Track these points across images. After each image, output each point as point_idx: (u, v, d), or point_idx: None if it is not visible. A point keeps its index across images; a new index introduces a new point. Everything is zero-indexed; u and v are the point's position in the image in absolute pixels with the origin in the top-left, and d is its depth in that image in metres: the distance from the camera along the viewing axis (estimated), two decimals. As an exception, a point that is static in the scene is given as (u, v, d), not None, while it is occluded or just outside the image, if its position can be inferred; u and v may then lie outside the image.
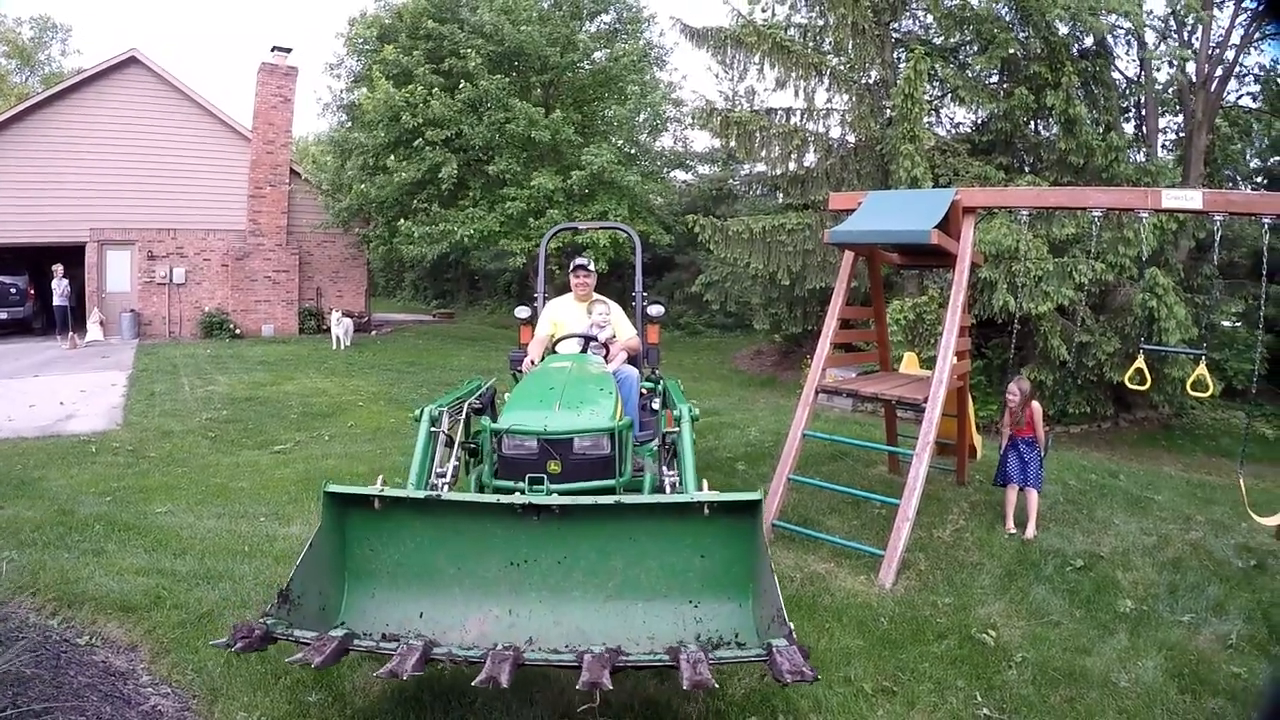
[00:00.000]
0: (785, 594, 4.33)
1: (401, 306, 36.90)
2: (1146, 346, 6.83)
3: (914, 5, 17.09)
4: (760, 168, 19.23)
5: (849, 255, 6.86)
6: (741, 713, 3.45)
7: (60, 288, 18.13)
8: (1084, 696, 3.82)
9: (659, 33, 18.86)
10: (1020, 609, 4.87)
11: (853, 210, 6.51)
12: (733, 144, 16.95)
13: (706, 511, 3.30)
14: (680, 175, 24.78)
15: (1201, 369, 5.97)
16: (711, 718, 3.42)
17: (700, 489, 3.93)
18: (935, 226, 5.78)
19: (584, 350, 5.30)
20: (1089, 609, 4.93)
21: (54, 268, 18.25)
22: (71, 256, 18.78)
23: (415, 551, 3.45)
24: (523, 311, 6.34)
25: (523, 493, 3.70)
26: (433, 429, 4.54)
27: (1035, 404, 6.52)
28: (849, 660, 4.00)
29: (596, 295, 5.76)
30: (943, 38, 16.70)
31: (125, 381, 12.55)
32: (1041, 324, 13.29)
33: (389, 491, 3.37)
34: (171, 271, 19.55)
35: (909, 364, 8.40)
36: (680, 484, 4.44)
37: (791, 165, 17.35)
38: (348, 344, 18.01)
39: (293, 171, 20.82)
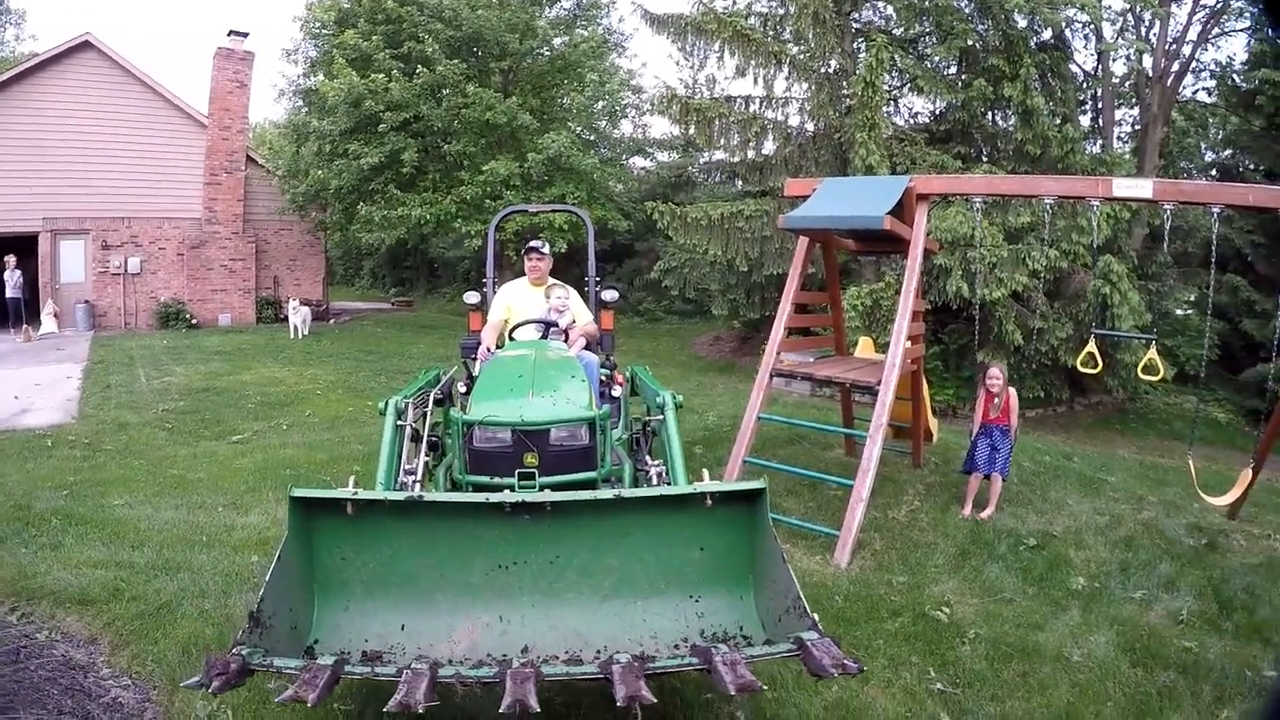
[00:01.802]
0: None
1: (360, 295, 36.44)
2: (1098, 331, 6.98)
3: (875, -4, 17.24)
4: (719, 155, 19.23)
5: (804, 241, 6.93)
6: (698, 691, 3.46)
7: (12, 279, 17.59)
8: (1037, 671, 3.90)
9: (619, 19, 18.76)
10: (973, 587, 4.96)
11: (808, 197, 6.56)
12: (692, 131, 16.94)
13: (709, 503, 3.17)
14: (640, 162, 24.75)
15: (1152, 353, 6.07)
16: (668, 696, 3.35)
17: (702, 479, 3.76)
18: (889, 213, 5.85)
19: (544, 337, 5.09)
20: (1041, 586, 5.03)
21: (5, 259, 17.67)
22: (24, 247, 18.17)
23: (392, 557, 3.19)
24: (472, 297, 6.07)
25: (513, 489, 3.48)
26: (399, 423, 4.34)
27: (1012, 390, 6.57)
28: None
29: (553, 280, 5.53)
30: (903, 28, 16.85)
31: (80, 374, 12.29)
32: (996, 310, 13.50)
33: (364, 494, 3.13)
34: (126, 261, 19.02)
35: (865, 348, 8.52)
36: (668, 474, 4.26)
37: (750, 153, 17.41)
38: (305, 333, 17.83)
39: (249, 159, 20.38)
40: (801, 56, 16.74)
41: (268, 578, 2.87)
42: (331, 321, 21.66)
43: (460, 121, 16.90)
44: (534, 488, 3.51)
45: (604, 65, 19.16)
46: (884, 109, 16.12)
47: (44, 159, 17.93)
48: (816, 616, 2.80)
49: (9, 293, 17.54)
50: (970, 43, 14.94)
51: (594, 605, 3.18)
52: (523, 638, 3.05)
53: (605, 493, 3.24)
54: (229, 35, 19.31)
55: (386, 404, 4.42)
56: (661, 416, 4.63)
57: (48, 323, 17.61)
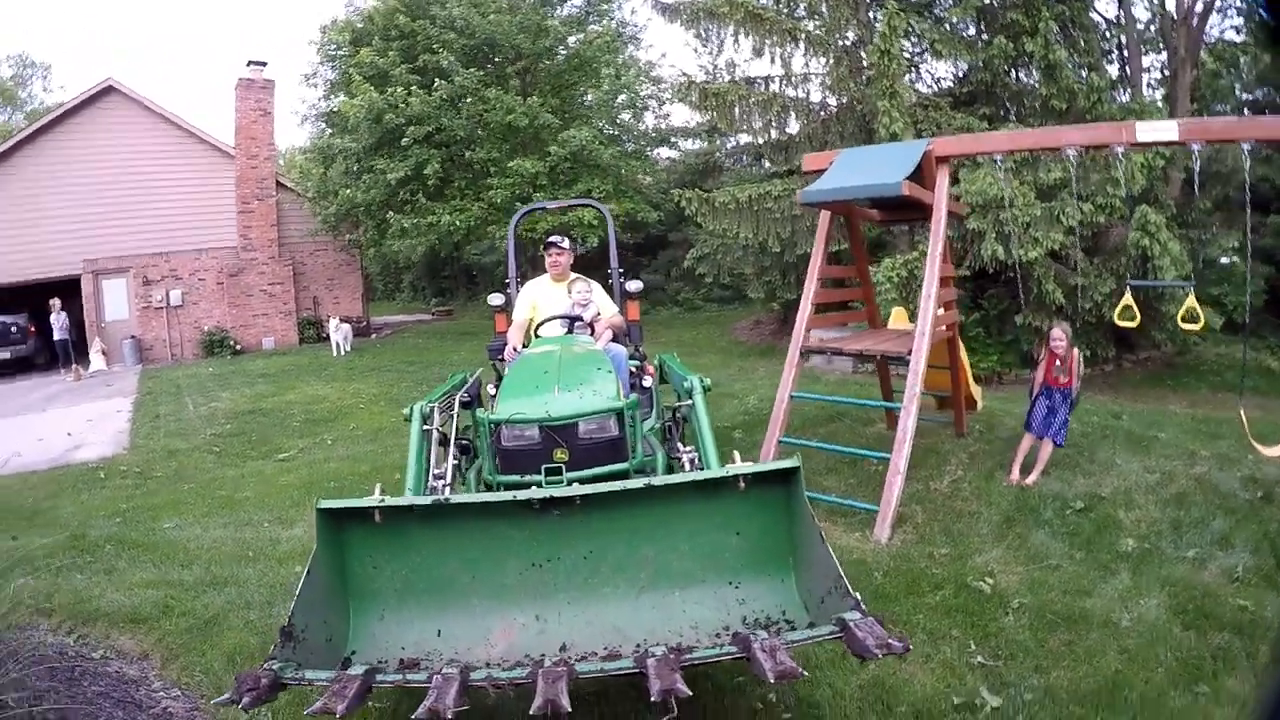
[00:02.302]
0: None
1: (401, 308, 36.98)
2: (1133, 282, 6.76)
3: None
4: (744, 138, 18.95)
5: (825, 215, 6.82)
6: (729, 675, 3.42)
7: (59, 321, 18.34)
8: (1083, 639, 3.77)
9: (630, 11, 18.73)
10: (1018, 555, 4.83)
11: (826, 170, 6.44)
12: (713, 116, 16.85)
13: (743, 485, 3.09)
14: (667, 153, 24.68)
15: (1191, 301, 5.85)
16: (699, 683, 3.26)
17: (731, 462, 3.67)
18: (909, 178, 5.73)
19: (569, 332, 5.03)
20: (1090, 550, 4.86)
21: (51, 302, 18.43)
22: (67, 289, 18.92)
23: (424, 563, 3.16)
24: (496, 299, 6.01)
25: (540, 486, 3.43)
26: (425, 427, 4.31)
27: (1076, 351, 6.38)
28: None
29: (575, 274, 5.47)
30: None
31: (130, 407, 12.71)
32: (1035, 270, 13.16)
33: (390, 501, 3.09)
34: (168, 294, 19.68)
35: (897, 319, 8.39)
36: (701, 460, 4.17)
37: (774, 133, 17.20)
38: (348, 350, 18.14)
39: (279, 184, 20.84)
40: (818, 31, 16.53)
41: (298, 591, 2.86)
42: (373, 336, 22.00)
43: (483, 127, 17.05)
44: (561, 483, 3.44)
45: (619, 59, 19.17)
46: (905, 76, 15.82)
47: (79, 203, 18.67)
48: (859, 596, 2.71)
49: (57, 335, 18.29)
50: (986, 1, 14.53)
51: (631, 599, 3.12)
52: (560, 636, 3.00)
53: (635, 482, 3.17)
54: (249, 65, 19.77)
55: (412, 410, 4.40)
56: (690, 402, 4.55)
57: (96, 360, 18.27)
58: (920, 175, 6.08)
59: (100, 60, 62.48)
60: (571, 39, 18.47)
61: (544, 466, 3.64)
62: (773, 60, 16.66)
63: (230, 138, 20.10)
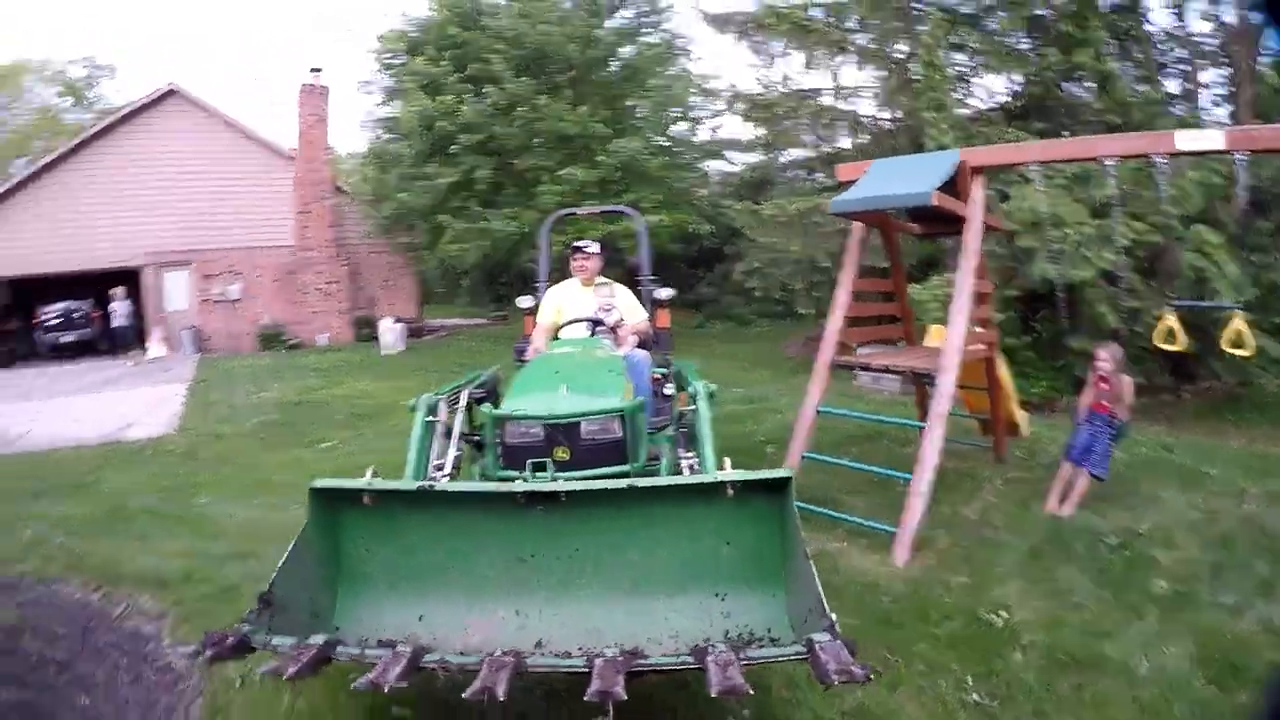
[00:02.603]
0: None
1: (460, 312, 37.61)
2: (1175, 302, 6.34)
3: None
4: (795, 152, 18.91)
5: (858, 227, 6.79)
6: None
7: (121, 309, 19.41)
8: (1094, 684, 3.60)
9: (684, 23, 18.96)
10: (1040, 589, 4.64)
11: (860, 180, 6.38)
12: (763, 130, 16.89)
13: (730, 492, 3.05)
14: (721, 165, 24.65)
15: (1237, 324, 5.52)
16: (674, 693, 3.28)
17: (722, 468, 3.54)
18: (944, 190, 5.66)
19: (591, 335, 5.12)
20: (1118, 590, 4.62)
21: (113, 291, 19.50)
22: (130, 280, 20.00)
23: (412, 549, 3.21)
24: (525, 301, 6.14)
25: (525, 480, 3.43)
26: (429, 419, 4.30)
27: (1126, 378, 5.96)
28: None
29: (601, 278, 5.54)
30: (973, 3, 16.34)
31: (184, 392, 13.22)
32: (1086, 292, 12.84)
33: (379, 484, 3.16)
34: (227, 289, 20.51)
35: (935, 336, 8.20)
36: (701, 466, 4.10)
37: (825, 147, 17.24)
38: (400, 349, 18.52)
39: (338, 187, 21.52)
40: (871, 45, 16.48)
41: (281, 563, 2.93)
42: (427, 337, 22.45)
43: (534, 135, 17.31)
44: (548, 478, 3.42)
45: (671, 71, 19.31)
46: (957, 89, 15.66)
47: (142, 199, 19.72)
48: (835, 617, 2.62)
49: (117, 322, 19.38)
50: (1037, 11, 14.28)
51: (614, 601, 3.09)
52: (538, 633, 3.01)
53: (618, 482, 3.14)
54: (311, 72, 20.49)
55: (417, 401, 4.41)
56: (694, 407, 4.48)
57: (156, 347, 19.25)
58: (954, 186, 5.98)
59: (162, 62, 65.77)
60: (624, 49, 18.62)
61: (530, 461, 3.62)
62: (823, 72, 16.73)
63: (284, 139, 21.03)
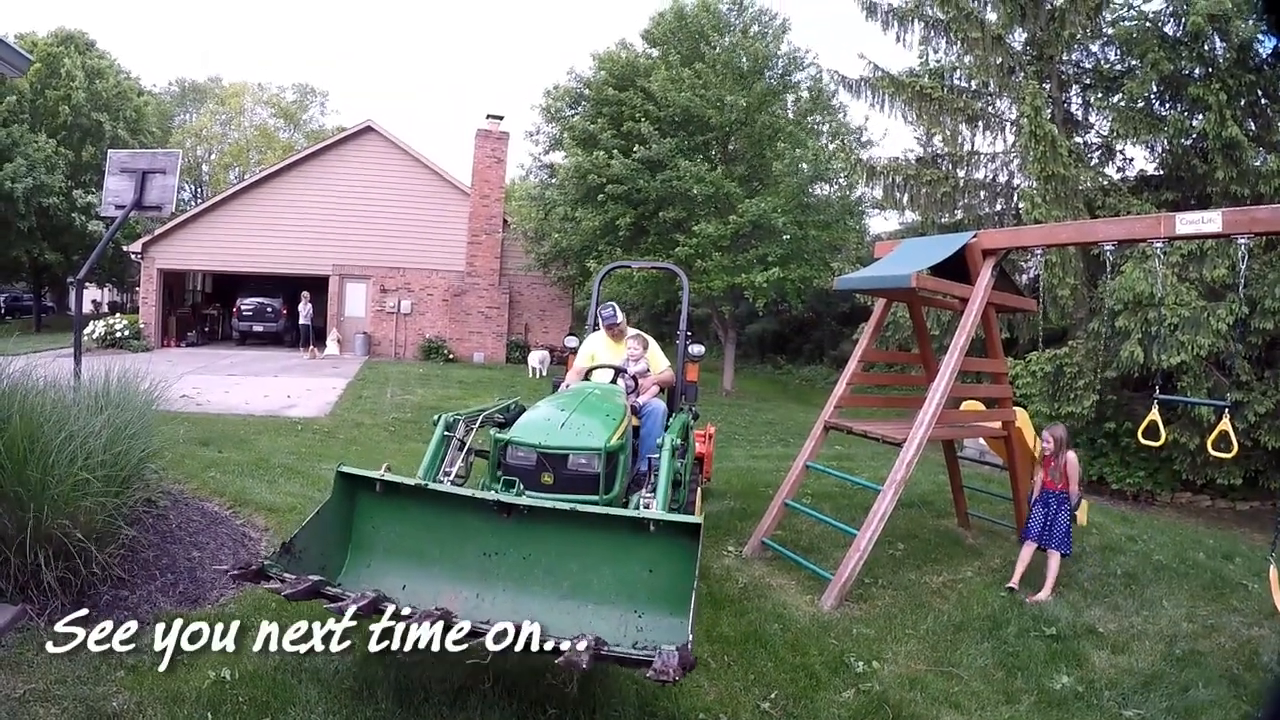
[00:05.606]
0: (723, 593, 5.24)
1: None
2: (1161, 397, 5.84)
3: (1075, 30, 15.69)
4: (911, 216, 18.74)
5: (881, 301, 7.34)
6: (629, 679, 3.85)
7: (306, 310, 22.80)
8: None
9: (827, 82, 19.15)
10: (934, 654, 4.68)
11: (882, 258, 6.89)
12: (878, 193, 17.35)
13: (652, 529, 3.56)
14: (859, 224, 24.90)
15: (1223, 424, 5.11)
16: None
17: (691, 512, 4.32)
18: (954, 268, 6.19)
19: (614, 380, 5.68)
20: (1011, 673, 4.52)
21: (302, 293, 23.02)
22: (317, 285, 23.38)
23: (407, 533, 3.90)
24: (571, 341, 6.95)
25: (496, 492, 4.02)
26: (446, 433, 4.83)
27: (1071, 454, 6.19)
28: (700, 654, 4.12)
29: (633, 330, 6.22)
30: (1107, 65, 15.99)
31: (343, 386, 15.58)
32: (1182, 378, 12.28)
33: (388, 476, 3.86)
34: (400, 303, 23.41)
35: (969, 404, 7.89)
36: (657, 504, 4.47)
37: (945, 217, 17.30)
38: (544, 373, 20.32)
39: (505, 222, 23.98)
40: (1001, 112, 16.58)
41: (304, 523, 3.74)
42: (572, 366, 24.19)
43: (672, 191, 18.73)
44: (516, 493, 4.04)
45: (814, 127, 20.25)
46: (1091, 158, 15.37)
47: (335, 217, 22.92)
48: (692, 638, 3.12)
49: (302, 320, 22.71)
50: (1171, 69, 13.63)
51: (553, 601, 3.65)
52: (493, 615, 3.38)
53: (563, 506, 3.70)
54: (487, 118, 23.14)
55: (439, 418, 4.95)
56: (657, 456, 4.73)
57: (331, 346, 22.48)
58: (965, 266, 6.35)
59: (366, 92, 75.48)
60: (763, 113, 19.58)
61: (502, 477, 4.33)
62: (945, 139, 16.83)
63: (464, 176, 23.66)
